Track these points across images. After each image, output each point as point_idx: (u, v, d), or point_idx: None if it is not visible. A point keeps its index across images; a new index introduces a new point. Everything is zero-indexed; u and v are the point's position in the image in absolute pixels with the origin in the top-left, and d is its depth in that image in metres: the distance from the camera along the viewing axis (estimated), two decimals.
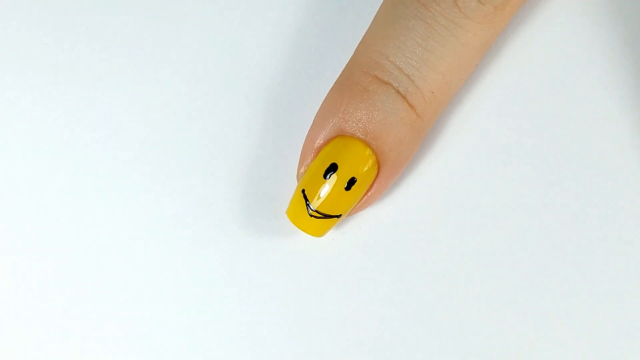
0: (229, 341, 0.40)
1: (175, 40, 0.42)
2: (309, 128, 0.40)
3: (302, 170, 0.39)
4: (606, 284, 0.40)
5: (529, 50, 0.42)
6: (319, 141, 0.39)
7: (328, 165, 0.38)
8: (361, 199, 0.40)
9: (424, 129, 0.39)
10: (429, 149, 0.41)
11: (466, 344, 0.40)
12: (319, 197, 0.39)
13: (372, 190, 0.40)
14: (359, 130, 0.39)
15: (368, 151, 0.39)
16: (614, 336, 0.40)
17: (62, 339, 0.40)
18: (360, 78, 0.39)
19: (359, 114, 0.38)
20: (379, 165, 0.39)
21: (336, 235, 0.41)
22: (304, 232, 0.40)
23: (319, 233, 0.39)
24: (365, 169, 0.39)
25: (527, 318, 0.40)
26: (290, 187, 0.40)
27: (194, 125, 0.42)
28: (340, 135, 0.39)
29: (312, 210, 0.39)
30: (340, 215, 0.39)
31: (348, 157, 0.38)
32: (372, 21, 0.40)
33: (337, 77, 0.40)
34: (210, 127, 0.42)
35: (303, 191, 0.39)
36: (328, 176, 0.38)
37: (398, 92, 0.38)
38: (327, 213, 0.39)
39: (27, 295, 0.40)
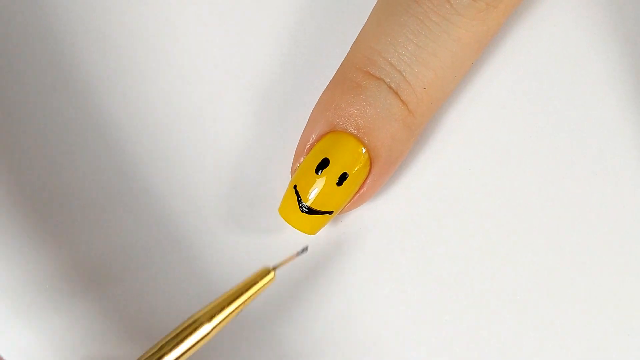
0: (224, 341, 0.40)
1: (172, 39, 0.43)
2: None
3: (296, 167, 0.40)
4: (606, 284, 0.40)
5: (526, 49, 0.42)
6: (312, 138, 0.39)
7: (320, 161, 0.39)
8: (354, 196, 0.40)
9: (416, 126, 0.39)
10: (426, 147, 0.41)
11: (466, 344, 0.40)
12: (310, 193, 0.39)
13: (365, 188, 0.39)
14: (351, 126, 0.39)
15: (360, 147, 0.39)
16: (614, 336, 0.39)
17: None
18: (353, 74, 0.39)
19: (351, 110, 0.39)
20: (371, 161, 0.39)
21: (335, 235, 0.41)
22: (298, 231, 0.40)
23: (312, 230, 0.39)
24: (357, 164, 0.39)
25: (527, 318, 0.40)
26: (286, 186, 0.40)
27: (189, 123, 0.42)
28: (333, 131, 0.39)
29: (303, 206, 0.39)
30: (332, 212, 0.39)
31: (340, 152, 0.39)
32: (368, 18, 0.40)
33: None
34: (206, 125, 0.42)
35: (295, 187, 0.39)
36: (320, 172, 0.39)
37: (390, 87, 0.39)
38: (318, 209, 0.39)
39: None
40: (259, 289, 0.36)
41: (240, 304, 0.36)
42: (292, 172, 0.40)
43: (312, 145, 0.39)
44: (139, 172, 0.42)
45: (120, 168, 0.42)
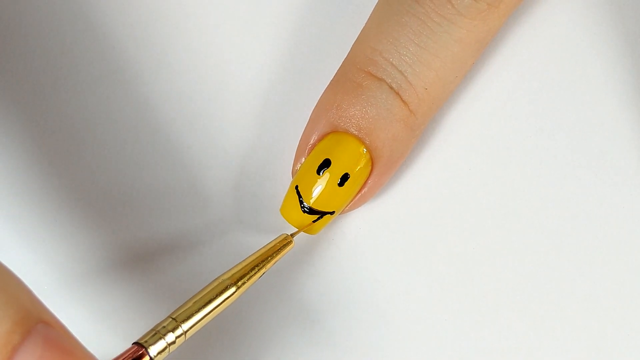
0: (224, 341, 0.40)
1: (173, 39, 0.43)
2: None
3: (297, 167, 0.40)
4: (606, 284, 0.40)
5: (527, 49, 0.42)
6: (314, 138, 0.39)
7: (321, 161, 0.39)
8: (355, 196, 0.40)
9: (418, 126, 0.39)
10: (427, 147, 0.41)
11: (466, 344, 0.40)
12: (312, 193, 0.39)
13: (366, 188, 0.40)
14: (353, 126, 0.39)
15: (361, 147, 0.39)
16: (614, 336, 0.40)
17: None
18: (354, 74, 0.39)
19: (352, 110, 0.39)
20: (372, 161, 0.39)
21: (336, 235, 0.41)
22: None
23: (313, 230, 0.39)
24: (359, 165, 0.39)
25: (527, 318, 0.40)
26: (287, 186, 0.40)
27: (190, 122, 0.42)
28: (334, 132, 0.39)
29: (305, 207, 0.39)
30: (334, 212, 0.39)
31: (341, 153, 0.39)
32: (369, 18, 0.40)
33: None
34: (207, 125, 0.42)
35: (296, 187, 0.39)
36: (321, 172, 0.39)
37: (391, 88, 0.39)
38: (320, 210, 0.39)
39: None
40: (280, 255, 0.38)
41: (263, 269, 0.38)
42: (293, 172, 0.40)
43: (313, 145, 0.39)
44: (139, 172, 0.42)
45: (120, 168, 0.42)
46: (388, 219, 0.41)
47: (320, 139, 0.39)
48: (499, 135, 0.41)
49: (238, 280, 0.37)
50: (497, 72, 0.42)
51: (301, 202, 0.39)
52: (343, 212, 0.40)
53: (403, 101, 0.39)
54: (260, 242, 0.40)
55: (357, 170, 0.39)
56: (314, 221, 0.39)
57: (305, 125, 0.40)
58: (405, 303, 0.40)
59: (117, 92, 0.42)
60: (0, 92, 0.42)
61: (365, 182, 0.39)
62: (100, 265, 0.41)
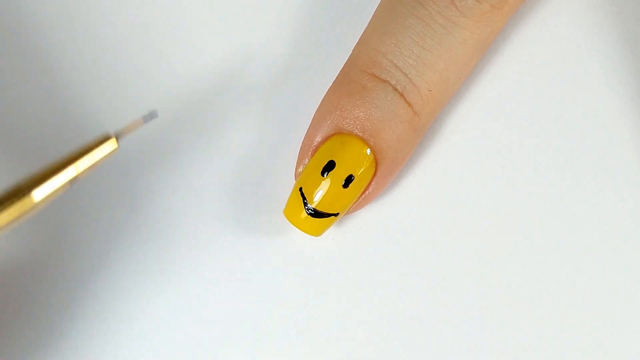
0: (225, 342, 0.40)
1: (173, 40, 0.43)
2: (308, 127, 0.40)
3: (300, 169, 0.40)
4: (606, 284, 0.40)
5: (529, 50, 0.42)
6: (317, 139, 0.39)
7: (326, 163, 0.39)
8: (359, 198, 0.40)
9: (421, 127, 0.39)
10: (429, 148, 0.41)
11: (466, 344, 0.40)
12: (316, 195, 0.39)
13: (370, 189, 0.40)
14: (357, 128, 0.39)
15: (366, 149, 0.39)
16: (614, 336, 0.40)
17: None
18: (358, 76, 0.39)
19: (357, 112, 0.39)
20: (376, 163, 0.39)
21: (336, 235, 0.41)
22: (301, 232, 0.40)
23: (317, 232, 0.39)
24: (363, 166, 0.39)
25: (527, 318, 0.40)
26: (289, 187, 0.40)
27: (192, 123, 0.42)
28: (338, 133, 0.39)
29: (309, 208, 0.39)
30: (338, 213, 0.39)
31: (346, 154, 0.39)
32: (371, 20, 0.40)
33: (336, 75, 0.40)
34: (209, 126, 0.42)
35: (300, 189, 0.39)
36: (326, 174, 0.39)
37: (396, 89, 0.39)
38: (324, 211, 0.39)
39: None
40: (101, 156, 0.33)
41: (74, 173, 0.32)
42: (296, 174, 0.40)
43: (317, 147, 0.39)
44: (139, 172, 0.41)
45: (120, 167, 0.42)
46: (389, 218, 0.41)
47: (324, 140, 0.39)
48: (501, 135, 0.41)
49: (40, 183, 0.31)
50: (499, 73, 0.42)
51: (305, 204, 0.39)
52: (346, 213, 0.40)
53: (407, 103, 0.39)
54: (261, 242, 0.40)
55: (361, 171, 0.39)
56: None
57: (307, 127, 0.40)
58: (405, 303, 0.40)
59: (117, 92, 0.42)
60: (0, 92, 0.42)
61: (369, 184, 0.39)
62: (99, 263, 0.41)
